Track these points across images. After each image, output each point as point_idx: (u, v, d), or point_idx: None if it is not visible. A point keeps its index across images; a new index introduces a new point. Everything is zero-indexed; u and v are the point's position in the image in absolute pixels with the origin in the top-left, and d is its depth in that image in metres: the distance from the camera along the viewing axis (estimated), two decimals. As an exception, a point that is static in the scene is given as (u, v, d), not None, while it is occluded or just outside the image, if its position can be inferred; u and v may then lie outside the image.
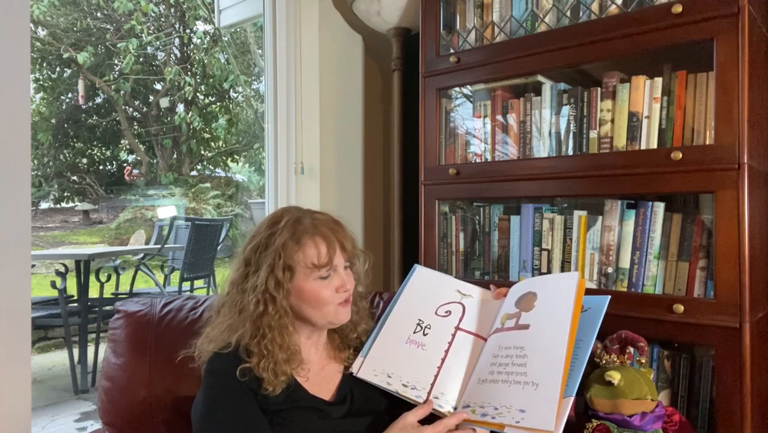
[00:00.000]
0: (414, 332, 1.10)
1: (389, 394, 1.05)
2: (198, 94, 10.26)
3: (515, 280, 1.54)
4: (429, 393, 1.01)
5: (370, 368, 1.07)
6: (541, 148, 1.51)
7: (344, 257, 1.05)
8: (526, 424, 0.88)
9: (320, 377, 1.07)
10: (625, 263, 1.35)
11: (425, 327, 1.10)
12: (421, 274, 1.21)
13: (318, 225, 1.03)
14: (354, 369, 1.08)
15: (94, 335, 3.66)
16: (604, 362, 1.05)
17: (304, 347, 1.06)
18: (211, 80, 9.99)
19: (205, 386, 1.00)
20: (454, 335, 1.08)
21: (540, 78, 1.53)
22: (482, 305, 1.13)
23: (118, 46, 9.23)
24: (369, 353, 1.09)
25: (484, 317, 1.11)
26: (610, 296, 1.00)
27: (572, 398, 0.89)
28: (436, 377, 1.03)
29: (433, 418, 0.99)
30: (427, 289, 1.17)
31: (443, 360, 1.05)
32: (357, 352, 1.12)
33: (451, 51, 1.66)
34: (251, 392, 0.98)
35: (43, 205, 10.79)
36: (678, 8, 1.23)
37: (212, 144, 10.94)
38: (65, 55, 9.34)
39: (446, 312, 1.11)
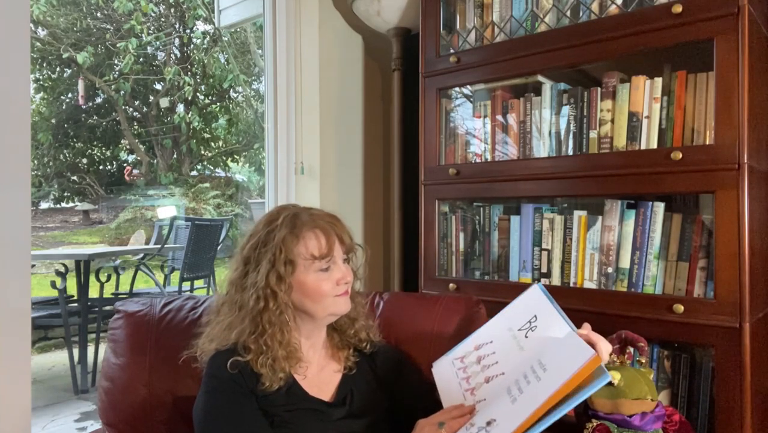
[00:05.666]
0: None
1: (388, 394, 1.06)
2: (198, 94, 10.25)
3: (515, 280, 1.54)
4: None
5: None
6: (541, 148, 1.51)
7: (343, 249, 1.06)
8: None
9: (319, 378, 1.07)
10: (625, 263, 1.35)
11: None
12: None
13: (315, 219, 1.05)
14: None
15: (94, 335, 3.66)
16: (604, 362, 1.05)
17: (303, 346, 1.06)
18: (210, 80, 9.98)
19: (204, 390, 1.00)
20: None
21: (540, 78, 1.53)
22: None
23: (118, 46, 9.23)
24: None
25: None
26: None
27: None
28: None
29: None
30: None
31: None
32: (356, 351, 1.12)
33: (451, 51, 1.66)
34: (251, 393, 0.98)
35: (43, 205, 10.78)
36: (678, 8, 1.23)
37: (212, 144, 10.94)
38: (65, 55, 9.33)
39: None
